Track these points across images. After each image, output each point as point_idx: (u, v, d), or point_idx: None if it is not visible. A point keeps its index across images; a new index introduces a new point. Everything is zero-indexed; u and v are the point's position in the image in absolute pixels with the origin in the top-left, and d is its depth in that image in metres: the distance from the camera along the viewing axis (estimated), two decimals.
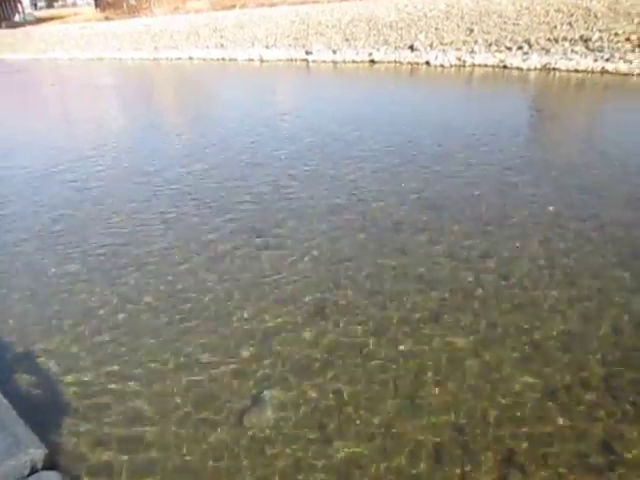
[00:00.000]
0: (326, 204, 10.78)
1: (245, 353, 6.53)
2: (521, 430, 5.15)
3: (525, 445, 4.98)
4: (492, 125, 17.62)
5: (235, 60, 37.48)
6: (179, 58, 41.63)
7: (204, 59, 39.67)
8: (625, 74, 26.40)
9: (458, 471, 4.78)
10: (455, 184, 11.70)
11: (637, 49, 27.43)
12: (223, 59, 38.53)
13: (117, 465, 5.11)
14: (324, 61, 33.57)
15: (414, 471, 4.81)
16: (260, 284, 8.00)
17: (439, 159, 13.59)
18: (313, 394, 5.78)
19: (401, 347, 6.38)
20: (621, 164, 12.72)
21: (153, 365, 6.41)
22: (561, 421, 5.22)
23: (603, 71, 26.97)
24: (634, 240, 8.74)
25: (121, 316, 7.43)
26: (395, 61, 31.92)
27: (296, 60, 34.69)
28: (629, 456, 4.80)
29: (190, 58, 40.95)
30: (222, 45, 41.41)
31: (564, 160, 13.72)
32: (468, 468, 4.79)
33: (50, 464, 4.94)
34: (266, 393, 5.78)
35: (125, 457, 5.19)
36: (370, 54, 32.72)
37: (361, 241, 9.11)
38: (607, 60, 27.56)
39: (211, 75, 34.64)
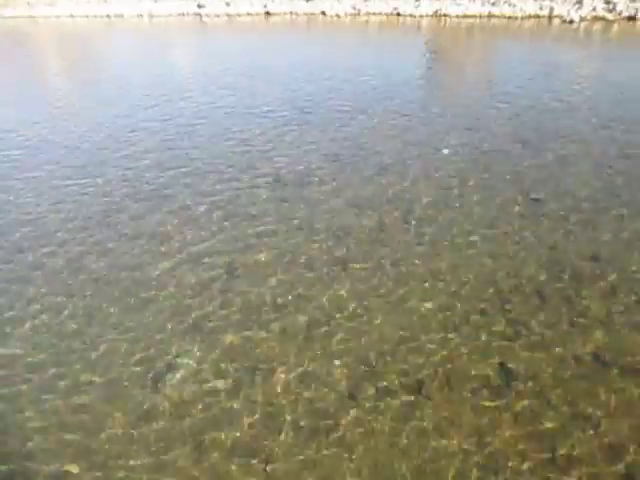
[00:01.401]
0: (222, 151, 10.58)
1: None
2: (426, 358, 5.44)
3: (427, 371, 5.27)
4: (388, 73, 17.86)
5: (121, 17, 35.16)
6: (58, 16, 38.38)
7: (87, 16, 36.85)
8: (509, 17, 27.51)
9: (372, 392, 4.99)
10: (354, 133, 11.84)
11: None
12: (108, 16, 36.00)
13: None
14: (217, 15, 32.29)
15: (331, 409, 4.96)
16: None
17: (335, 111, 13.65)
18: None
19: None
20: (509, 105, 13.43)
21: None
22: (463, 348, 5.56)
23: (490, 15, 27.97)
24: (512, 168, 9.34)
25: None
26: (291, 12, 31.31)
27: (188, 14, 33.11)
28: (522, 372, 5.22)
29: (71, 16, 37.88)
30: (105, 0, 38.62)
31: (456, 103, 14.24)
32: (381, 394, 5.01)
33: None
34: None
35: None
36: (265, 6, 31.84)
37: (264, 193, 9.06)
38: (493, 4, 28.58)
39: (96, 39, 32.27)
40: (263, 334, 5.89)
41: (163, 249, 7.66)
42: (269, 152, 10.97)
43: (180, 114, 14.14)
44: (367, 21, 28.87)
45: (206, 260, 7.33)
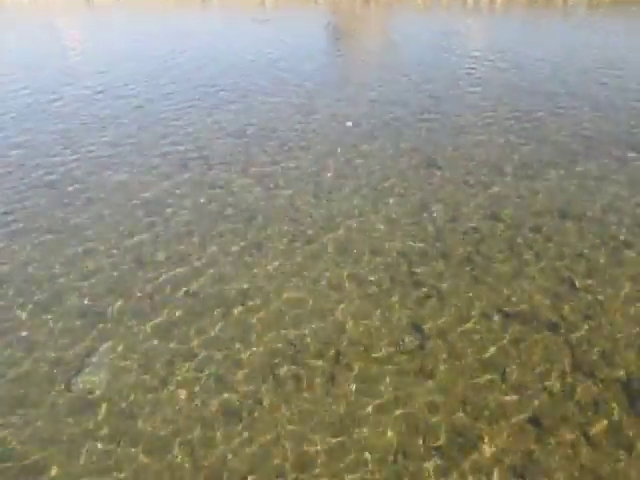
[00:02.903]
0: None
1: None
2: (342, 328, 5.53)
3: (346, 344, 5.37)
4: (289, 48, 17.70)
5: None
6: None
7: None
8: None
9: (289, 374, 5.03)
10: (261, 110, 11.68)
11: None
12: None
13: None
14: None
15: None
16: None
17: (239, 89, 13.38)
18: None
19: None
20: (408, 79, 13.76)
21: None
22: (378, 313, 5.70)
23: None
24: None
25: None
26: None
27: None
28: (434, 331, 5.44)
29: None
30: None
31: (359, 77, 14.40)
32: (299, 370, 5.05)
33: None
34: None
35: None
36: None
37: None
38: None
39: None
40: None
41: None
42: (170, 136, 10.58)
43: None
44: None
45: None
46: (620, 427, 4.35)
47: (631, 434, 4.28)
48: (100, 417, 4.60)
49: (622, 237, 6.81)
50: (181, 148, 9.88)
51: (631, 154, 9.05)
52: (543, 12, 24.57)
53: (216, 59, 16.56)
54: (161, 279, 6.32)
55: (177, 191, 8.32)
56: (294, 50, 17.28)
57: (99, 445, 4.36)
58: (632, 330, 5.31)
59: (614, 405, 4.53)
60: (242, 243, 6.98)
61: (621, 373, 4.83)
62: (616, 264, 6.30)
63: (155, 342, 5.42)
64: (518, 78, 13.61)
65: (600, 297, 5.76)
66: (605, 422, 4.39)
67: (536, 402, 4.59)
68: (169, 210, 7.80)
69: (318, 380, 4.91)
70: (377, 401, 4.67)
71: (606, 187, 8.02)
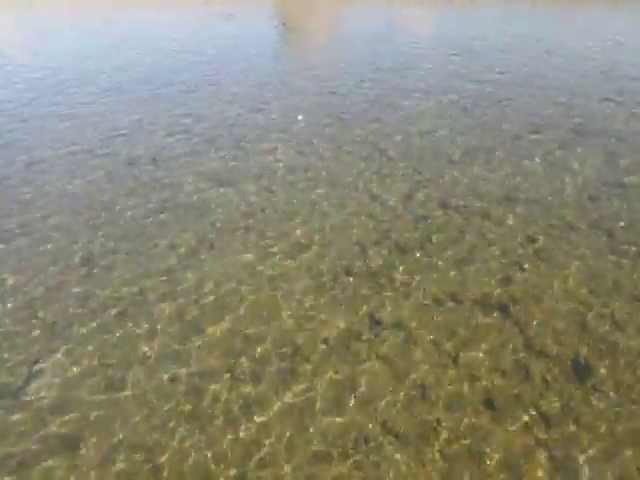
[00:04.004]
0: None
1: None
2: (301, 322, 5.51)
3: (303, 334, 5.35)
4: (237, 42, 17.49)
5: None
6: None
7: None
8: None
9: (246, 365, 4.98)
10: (210, 106, 11.50)
11: None
12: None
13: None
14: None
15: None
16: None
17: (186, 84, 13.15)
18: None
19: None
20: (358, 70, 13.81)
21: None
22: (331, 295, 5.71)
23: None
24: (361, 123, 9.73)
25: None
26: None
27: None
28: (389, 321, 5.48)
29: None
30: None
31: (309, 69, 14.34)
32: (257, 363, 5.01)
33: None
34: None
35: None
36: None
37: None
38: None
39: None
40: None
41: None
42: (117, 136, 10.30)
43: None
44: None
45: None
46: (570, 402, 4.49)
47: (580, 408, 4.42)
48: None
49: (568, 218, 7.02)
50: (127, 147, 9.64)
51: (575, 138, 9.34)
52: (485, 0, 25.11)
53: (161, 53, 16.21)
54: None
55: (123, 193, 8.12)
56: (242, 43, 17.07)
57: None
58: (578, 308, 5.49)
59: (564, 381, 4.67)
60: (194, 241, 6.87)
61: (569, 350, 4.98)
62: (562, 245, 6.50)
63: None
64: (464, 67, 13.86)
65: (548, 278, 5.93)
66: (556, 398, 4.52)
67: (489, 384, 4.68)
68: (117, 212, 7.60)
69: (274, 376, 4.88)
70: (331, 392, 4.67)
71: (551, 171, 8.25)
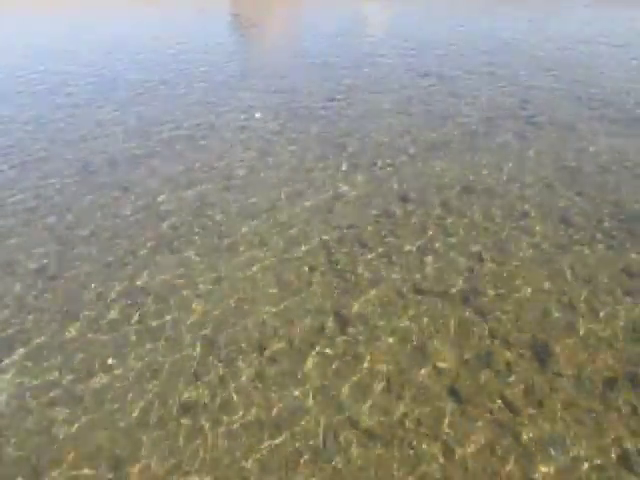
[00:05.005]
0: None
1: None
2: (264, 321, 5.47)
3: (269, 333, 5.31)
4: (192, 41, 17.22)
5: None
6: None
7: None
8: None
9: (217, 373, 4.91)
10: (166, 106, 11.29)
11: None
12: None
13: None
14: None
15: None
16: None
17: (141, 85, 12.87)
18: None
19: None
20: (313, 67, 13.78)
21: None
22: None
23: None
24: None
25: None
26: None
27: None
28: (354, 316, 5.50)
29: None
30: None
31: (265, 67, 14.23)
32: (228, 362, 4.95)
33: None
34: None
35: None
36: None
37: None
38: None
39: None
40: None
41: None
42: (77, 143, 9.99)
43: None
44: None
45: None
46: (533, 387, 4.58)
47: (542, 392, 4.52)
48: None
49: (525, 208, 7.17)
50: (86, 150, 9.36)
51: (528, 128, 9.56)
52: None
53: (114, 53, 15.83)
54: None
55: (84, 193, 7.89)
56: (197, 42, 16.82)
57: None
58: (536, 296, 5.61)
59: (526, 367, 4.77)
60: (150, 243, 6.72)
61: (529, 336, 5.09)
62: (519, 233, 6.63)
63: None
64: (419, 61, 14.01)
65: (506, 267, 6.04)
66: (520, 384, 4.61)
67: (454, 373, 4.74)
68: (70, 218, 7.38)
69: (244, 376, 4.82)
70: (300, 389, 4.65)
71: (507, 161, 8.42)
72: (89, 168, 8.72)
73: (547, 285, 5.75)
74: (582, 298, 5.54)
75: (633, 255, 6.15)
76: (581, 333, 5.11)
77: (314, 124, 10.04)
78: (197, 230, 6.97)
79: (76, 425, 4.40)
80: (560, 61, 13.88)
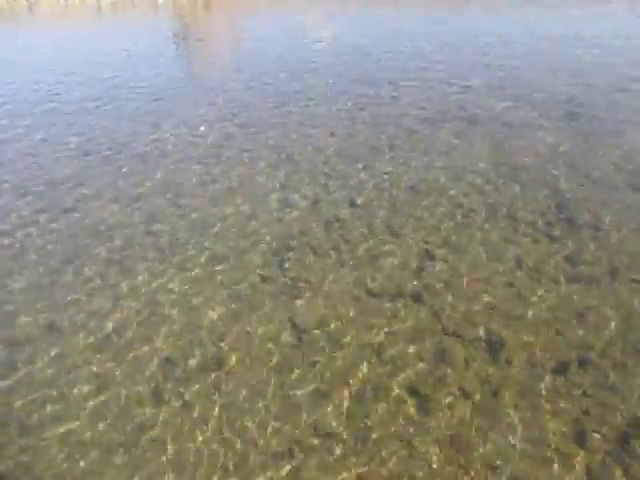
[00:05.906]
0: None
1: None
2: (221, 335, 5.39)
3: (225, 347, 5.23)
4: (132, 55, 16.95)
5: None
6: None
7: None
8: None
9: (173, 392, 4.81)
10: (107, 124, 11.05)
11: None
12: None
13: None
14: None
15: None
16: None
17: (80, 102, 12.57)
18: None
19: None
20: (254, 78, 13.80)
21: None
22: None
23: None
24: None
25: None
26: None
27: None
28: (309, 323, 5.50)
29: None
30: None
31: (207, 80, 14.17)
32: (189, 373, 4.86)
33: None
34: None
35: None
36: None
37: None
38: None
39: None
40: None
41: None
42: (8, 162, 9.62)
43: None
44: (99, 5, 26.89)
45: None
46: (488, 379, 4.70)
47: (498, 383, 4.64)
48: None
49: (466, 205, 7.37)
50: (21, 173, 9.03)
51: (466, 127, 9.86)
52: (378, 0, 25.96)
53: (53, 71, 15.39)
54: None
55: (37, 216, 7.61)
56: (137, 57, 16.57)
57: None
58: (486, 288, 5.77)
59: (481, 361, 4.88)
60: (99, 267, 6.54)
61: (482, 331, 5.22)
62: (464, 230, 6.81)
63: None
64: (359, 67, 14.24)
65: (455, 263, 6.19)
66: (475, 377, 4.71)
67: (411, 371, 4.81)
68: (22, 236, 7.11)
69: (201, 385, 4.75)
70: (263, 402, 4.61)
71: (449, 161, 8.64)
72: (29, 192, 8.41)
73: (495, 277, 5.91)
74: (528, 288, 5.72)
75: (573, 243, 6.41)
76: (528, 320, 5.28)
77: (259, 134, 10.03)
78: (145, 249, 6.81)
79: None
80: (498, 60, 14.38)
